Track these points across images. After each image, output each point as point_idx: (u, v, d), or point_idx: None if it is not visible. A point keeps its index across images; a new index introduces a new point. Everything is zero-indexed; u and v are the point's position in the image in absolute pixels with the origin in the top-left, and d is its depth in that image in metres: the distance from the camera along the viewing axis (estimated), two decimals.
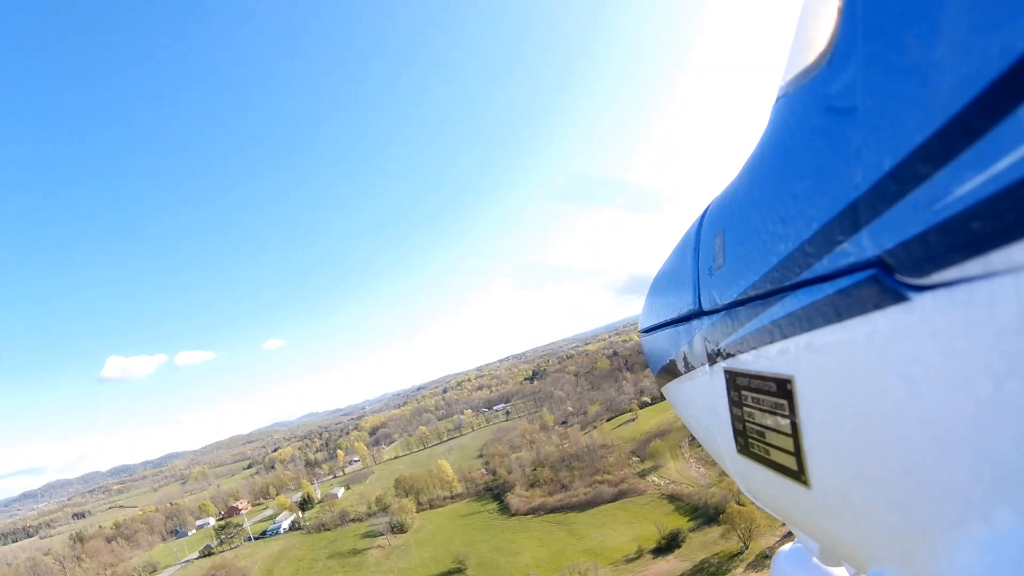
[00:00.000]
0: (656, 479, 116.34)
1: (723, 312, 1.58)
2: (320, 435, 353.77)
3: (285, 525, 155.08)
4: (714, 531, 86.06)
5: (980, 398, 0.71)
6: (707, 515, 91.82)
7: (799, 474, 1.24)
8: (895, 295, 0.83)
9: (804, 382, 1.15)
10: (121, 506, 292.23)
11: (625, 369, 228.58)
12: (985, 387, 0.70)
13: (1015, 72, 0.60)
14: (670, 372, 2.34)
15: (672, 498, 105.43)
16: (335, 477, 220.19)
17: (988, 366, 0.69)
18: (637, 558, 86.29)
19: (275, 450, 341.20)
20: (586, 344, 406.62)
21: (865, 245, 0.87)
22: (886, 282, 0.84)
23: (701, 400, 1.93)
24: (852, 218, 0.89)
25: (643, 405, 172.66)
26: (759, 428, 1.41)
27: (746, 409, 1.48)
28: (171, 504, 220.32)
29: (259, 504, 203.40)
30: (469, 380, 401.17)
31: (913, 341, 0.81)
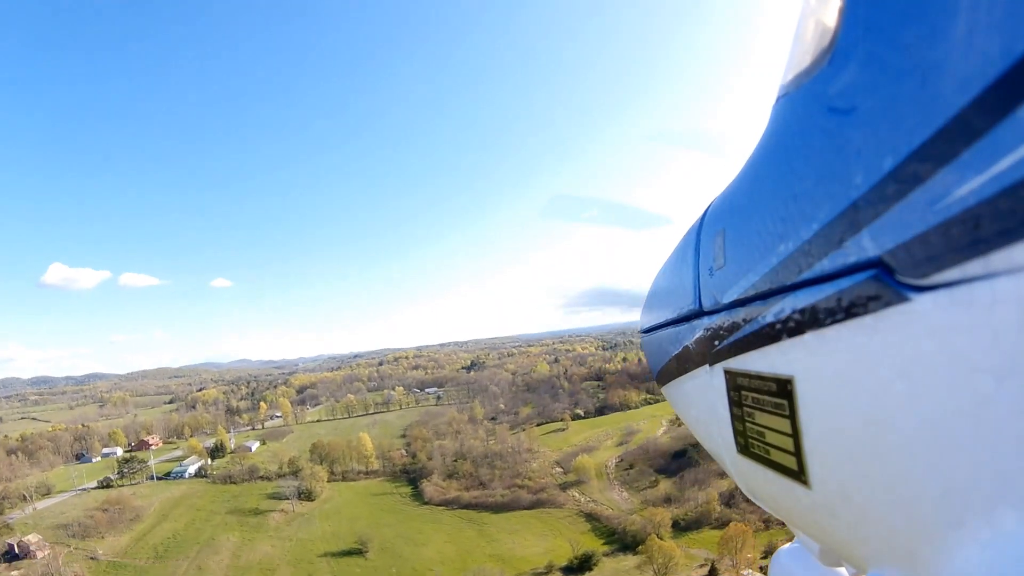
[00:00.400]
0: (577, 494, 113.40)
1: (723, 312, 1.58)
2: (248, 383, 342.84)
3: (191, 470, 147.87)
4: (629, 560, 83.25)
5: (980, 398, 0.71)
6: (624, 542, 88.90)
7: (799, 474, 1.24)
8: (895, 295, 0.83)
9: (804, 382, 1.14)
10: (34, 418, 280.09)
11: (564, 378, 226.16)
12: (985, 387, 0.70)
13: (1015, 72, 0.61)
14: (670, 372, 2.33)
15: (590, 517, 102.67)
16: (253, 429, 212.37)
17: (988, 366, 0.69)
18: (546, 574, 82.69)
19: (200, 390, 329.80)
20: (529, 346, 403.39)
21: (866, 245, 0.87)
22: (886, 282, 0.84)
23: (701, 400, 1.93)
24: (852, 218, 0.90)
25: (576, 417, 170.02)
26: (759, 428, 1.41)
27: (746, 409, 1.48)
28: (83, 426, 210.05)
29: (171, 442, 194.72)
30: (407, 358, 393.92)
31: (913, 341, 0.80)
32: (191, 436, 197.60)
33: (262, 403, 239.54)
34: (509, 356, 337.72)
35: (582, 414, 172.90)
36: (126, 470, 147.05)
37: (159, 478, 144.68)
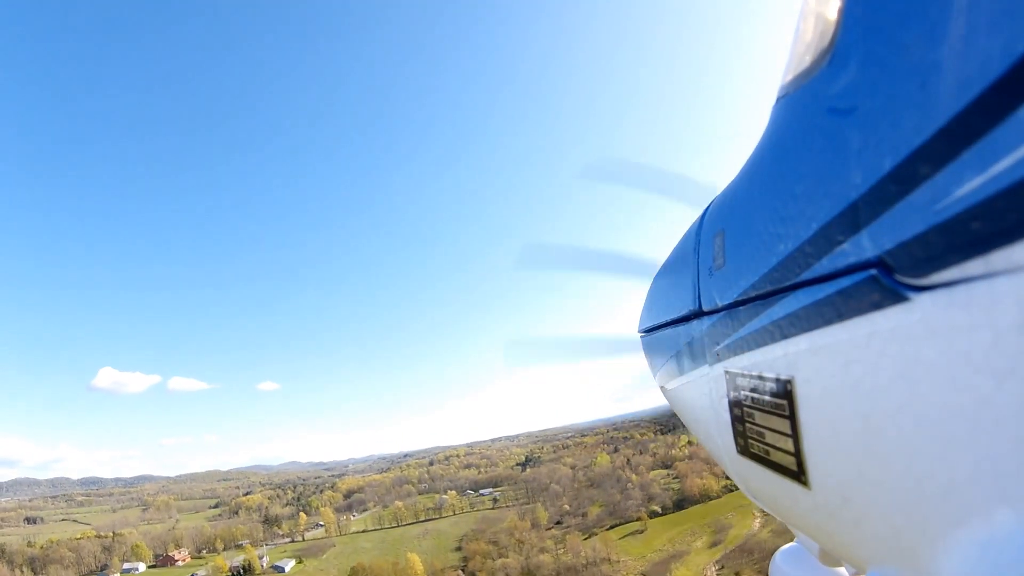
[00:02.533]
0: None
1: (723, 312, 1.56)
2: (295, 487, 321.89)
3: None
4: None
5: (980, 398, 0.70)
6: None
7: (799, 474, 1.22)
8: (895, 295, 0.82)
9: (804, 382, 1.13)
10: (75, 520, 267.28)
11: (628, 469, 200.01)
12: (985, 387, 0.69)
13: (1015, 73, 0.60)
14: (670, 373, 2.30)
15: None
16: (293, 541, 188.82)
17: (988, 366, 0.68)
18: None
19: (246, 494, 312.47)
20: (583, 436, 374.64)
21: (865, 245, 0.86)
22: (886, 282, 0.83)
23: (701, 401, 1.90)
24: (852, 218, 0.88)
25: (652, 514, 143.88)
26: (759, 428, 1.39)
27: (746, 409, 1.45)
28: (113, 534, 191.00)
29: (200, 558, 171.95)
30: (458, 456, 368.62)
31: (913, 341, 0.80)
32: (224, 548, 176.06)
33: (302, 513, 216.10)
34: (564, 448, 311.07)
35: (659, 510, 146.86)
36: None
37: None
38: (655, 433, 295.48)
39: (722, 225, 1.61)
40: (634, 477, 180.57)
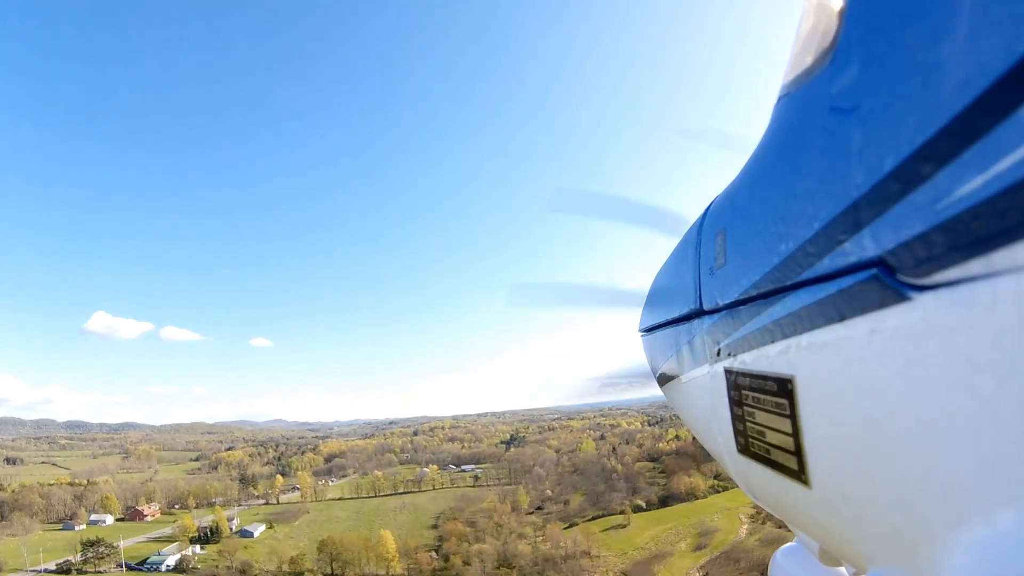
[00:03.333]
0: None
1: (724, 312, 1.55)
2: (277, 446, 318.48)
3: (171, 561, 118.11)
4: None
5: (981, 398, 0.70)
6: None
7: (799, 474, 1.22)
8: (896, 295, 0.82)
9: (805, 382, 1.12)
10: (55, 464, 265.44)
11: (614, 458, 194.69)
12: (986, 387, 0.69)
13: (1016, 72, 0.60)
14: (670, 372, 2.30)
15: None
16: (267, 503, 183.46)
17: (989, 366, 0.68)
18: None
19: (228, 449, 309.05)
20: (569, 419, 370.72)
21: (866, 245, 0.86)
22: (887, 282, 0.83)
23: (701, 400, 1.90)
24: (853, 218, 0.88)
25: (636, 509, 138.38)
26: (759, 428, 1.39)
27: (747, 409, 1.45)
28: (87, 483, 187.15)
29: (170, 513, 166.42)
30: (443, 428, 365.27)
31: (914, 341, 0.79)
32: (194, 507, 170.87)
33: (279, 476, 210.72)
34: (550, 430, 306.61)
35: (643, 505, 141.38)
36: (91, 554, 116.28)
37: (131, 567, 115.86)
38: (642, 424, 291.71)
39: (723, 224, 1.60)
40: (619, 468, 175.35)
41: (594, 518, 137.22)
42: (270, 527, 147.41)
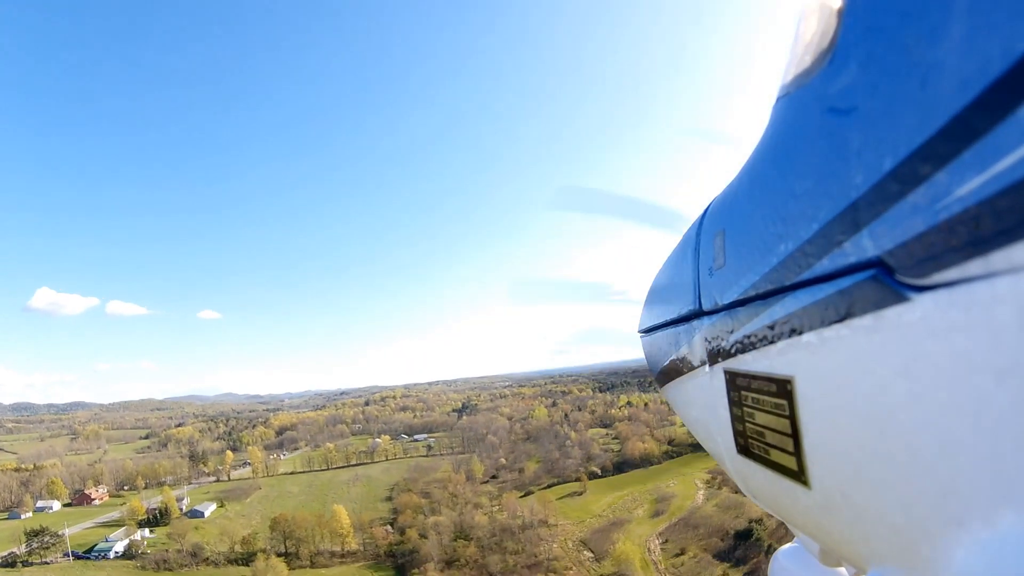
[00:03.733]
0: None
1: (723, 312, 1.55)
2: (227, 420, 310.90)
3: (119, 547, 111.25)
4: None
5: (980, 398, 0.70)
6: None
7: (799, 474, 1.22)
8: (895, 295, 0.81)
9: (804, 382, 1.12)
10: (1, 449, 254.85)
11: (567, 425, 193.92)
12: (985, 387, 0.69)
13: (1015, 72, 0.59)
14: (670, 372, 2.28)
15: None
16: (218, 480, 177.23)
17: (988, 366, 0.68)
18: None
19: (178, 425, 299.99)
20: (520, 386, 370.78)
21: (865, 245, 0.85)
22: (886, 282, 0.83)
23: (701, 400, 1.89)
24: (852, 218, 0.88)
25: (592, 476, 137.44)
26: (759, 428, 1.38)
27: (746, 409, 1.45)
28: (33, 467, 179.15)
29: (119, 495, 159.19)
30: (394, 397, 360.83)
31: (913, 341, 0.79)
32: (143, 487, 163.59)
33: (229, 451, 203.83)
34: (501, 398, 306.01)
35: (598, 472, 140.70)
36: (36, 543, 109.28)
37: (78, 556, 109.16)
38: (593, 390, 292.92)
39: (722, 225, 1.60)
40: (573, 434, 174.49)
41: (550, 486, 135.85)
42: (221, 505, 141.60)
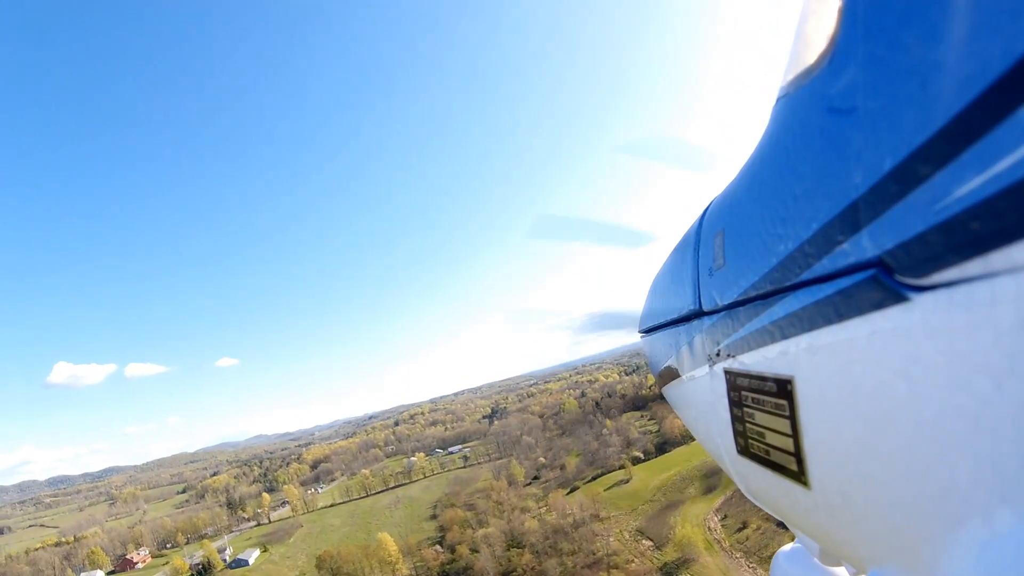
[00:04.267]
0: None
1: (723, 312, 1.54)
2: (261, 462, 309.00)
3: None
4: None
5: (980, 398, 0.69)
6: None
7: (799, 474, 1.21)
8: (895, 295, 0.81)
9: (804, 382, 1.11)
10: (43, 524, 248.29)
11: (600, 413, 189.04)
12: (985, 387, 0.68)
13: (1015, 73, 0.59)
14: (670, 373, 2.30)
15: None
16: (258, 525, 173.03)
17: (988, 366, 0.68)
18: None
19: (214, 475, 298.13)
20: (546, 382, 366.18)
21: (865, 245, 0.85)
22: (886, 282, 0.82)
23: (701, 400, 1.89)
24: (852, 218, 0.87)
25: (635, 461, 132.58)
26: (759, 428, 1.38)
27: (746, 410, 1.44)
28: (73, 539, 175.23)
29: (162, 555, 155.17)
30: (423, 413, 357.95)
31: (913, 341, 0.79)
32: (184, 543, 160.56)
33: (265, 494, 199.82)
34: (529, 396, 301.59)
35: (641, 456, 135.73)
36: None
37: None
38: (619, 375, 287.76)
39: (722, 225, 1.58)
40: (608, 422, 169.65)
41: (594, 478, 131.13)
42: (264, 550, 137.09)
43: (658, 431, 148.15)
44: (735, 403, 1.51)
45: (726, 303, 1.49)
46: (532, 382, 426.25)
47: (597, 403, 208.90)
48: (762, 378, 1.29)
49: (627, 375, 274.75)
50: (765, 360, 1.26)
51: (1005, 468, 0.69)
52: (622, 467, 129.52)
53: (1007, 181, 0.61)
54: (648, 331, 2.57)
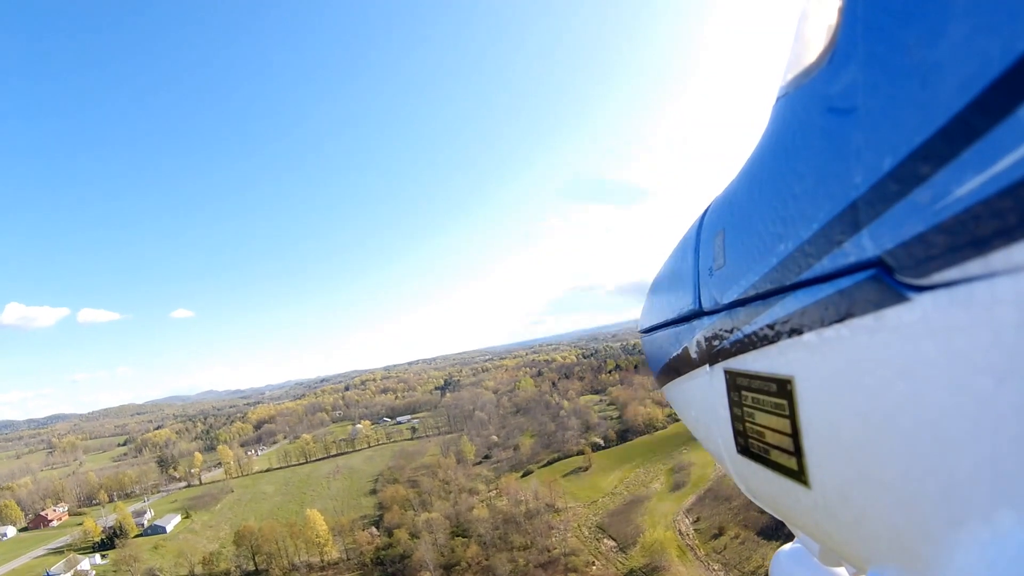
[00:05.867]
0: None
1: (723, 312, 1.53)
2: (205, 419, 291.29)
3: None
4: None
5: (980, 398, 0.68)
6: None
7: (799, 474, 1.19)
8: (895, 295, 0.79)
9: (804, 382, 1.10)
10: None
11: (557, 394, 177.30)
12: (985, 387, 0.67)
13: (1015, 72, 0.58)
14: (670, 372, 2.25)
15: None
16: (188, 486, 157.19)
17: (988, 366, 0.66)
18: None
19: (158, 428, 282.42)
20: (502, 359, 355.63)
21: (865, 245, 0.83)
22: (886, 282, 0.81)
23: (701, 400, 1.86)
24: (852, 218, 0.86)
25: (595, 447, 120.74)
26: (759, 428, 1.37)
27: (746, 409, 1.43)
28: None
29: (81, 513, 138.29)
30: (375, 380, 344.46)
31: (913, 341, 0.77)
32: (107, 502, 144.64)
33: (198, 454, 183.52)
34: (484, 371, 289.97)
35: (601, 443, 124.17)
36: None
37: None
38: (577, 356, 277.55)
39: (722, 224, 1.57)
40: (565, 403, 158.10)
41: (550, 462, 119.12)
42: (187, 516, 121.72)
43: (619, 417, 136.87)
44: (735, 403, 1.49)
45: (726, 303, 1.48)
46: (488, 357, 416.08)
47: (554, 383, 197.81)
48: (762, 378, 1.28)
49: (585, 358, 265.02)
50: (765, 360, 1.25)
51: (1005, 468, 0.68)
52: (581, 453, 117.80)
53: (1007, 181, 0.60)
54: (648, 330, 2.50)
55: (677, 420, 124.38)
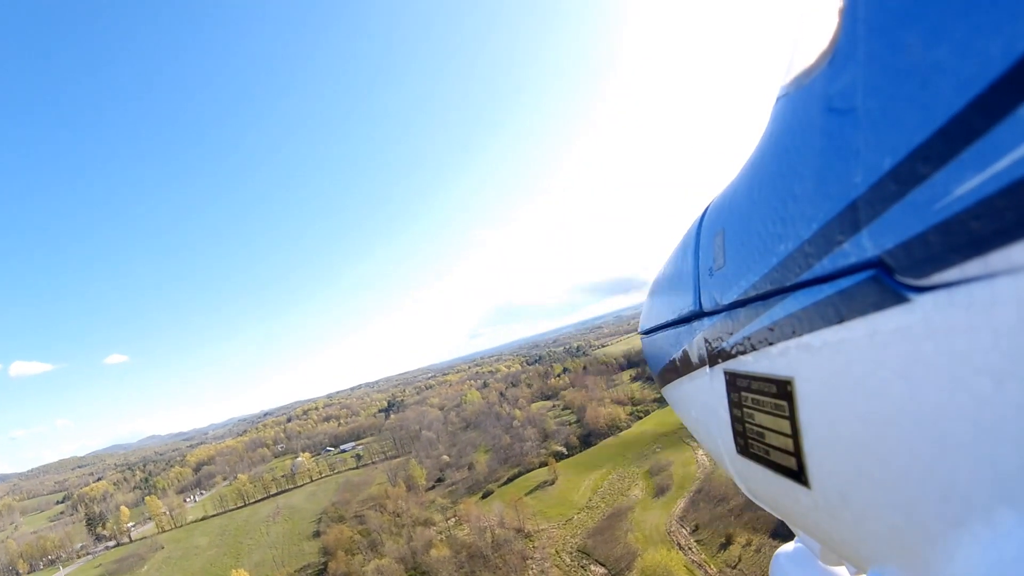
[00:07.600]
0: None
1: (723, 313, 1.50)
2: (144, 466, 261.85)
3: None
4: None
5: (980, 398, 0.67)
6: None
7: (799, 474, 1.17)
8: (895, 296, 0.77)
9: (804, 383, 1.07)
10: None
11: (507, 404, 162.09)
12: (985, 387, 0.66)
13: (1015, 72, 0.56)
14: (670, 373, 2.20)
15: None
16: (117, 545, 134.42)
17: (988, 366, 0.65)
18: None
19: (98, 480, 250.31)
20: (444, 375, 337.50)
21: (865, 245, 0.81)
22: (886, 283, 0.78)
23: (701, 401, 1.83)
24: (852, 218, 0.83)
25: (558, 456, 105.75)
26: (759, 429, 1.34)
27: (746, 410, 1.40)
28: None
29: None
30: (317, 408, 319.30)
31: (913, 342, 0.75)
32: (26, 573, 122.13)
33: (124, 509, 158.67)
34: (428, 388, 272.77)
35: (564, 451, 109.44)
36: None
37: None
38: (522, 364, 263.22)
39: (722, 225, 1.53)
40: (518, 413, 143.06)
41: (510, 479, 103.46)
42: None
43: (578, 421, 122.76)
44: (735, 403, 1.46)
45: (726, 303, 1.45)
46: (430, 375, 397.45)
47: (502, 393, 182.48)
48: (762, 379, 1.26)
49: (530, 364, 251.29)
50: (765, 361, 1.23)
51: (1005, 468, 0.66)
52: (544, 464, 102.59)
53: (1007, 180, 0.58)
54: (648, 331, 2.44)
55: (640, 417, 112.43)
